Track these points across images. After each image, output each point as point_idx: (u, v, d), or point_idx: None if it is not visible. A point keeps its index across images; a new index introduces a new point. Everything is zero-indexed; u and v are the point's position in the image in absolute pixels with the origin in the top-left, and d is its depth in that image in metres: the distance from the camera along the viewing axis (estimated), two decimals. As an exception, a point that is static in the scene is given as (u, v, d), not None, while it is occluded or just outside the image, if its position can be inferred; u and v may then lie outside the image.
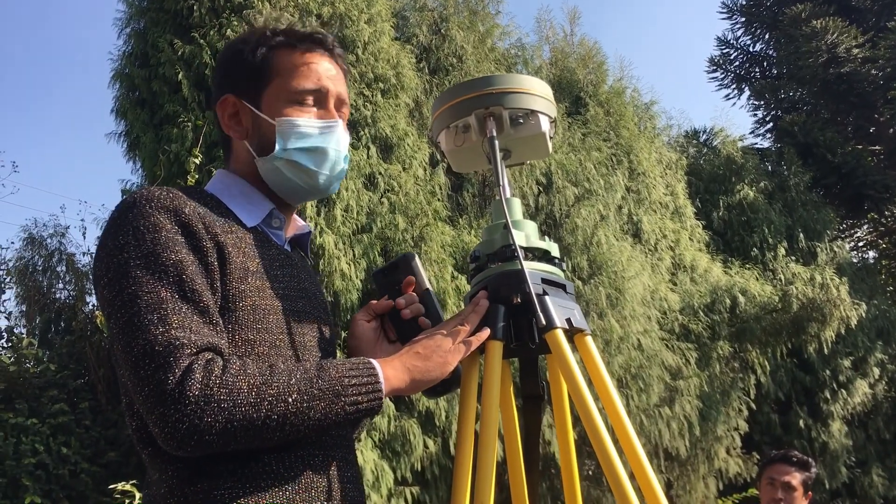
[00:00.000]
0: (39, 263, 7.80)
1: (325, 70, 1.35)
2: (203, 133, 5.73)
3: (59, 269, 7.84)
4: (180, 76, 5.95)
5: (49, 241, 7.91)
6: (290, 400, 1.09)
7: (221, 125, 1.36)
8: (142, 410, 1.08)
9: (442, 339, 1.30)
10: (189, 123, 5.88)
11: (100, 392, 6.72)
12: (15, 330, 7.75)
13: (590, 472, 6.39)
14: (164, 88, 6.10)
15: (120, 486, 5.50)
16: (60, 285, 7.82)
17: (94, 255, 1.23)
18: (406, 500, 5.68)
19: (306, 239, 1.43)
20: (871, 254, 14.51)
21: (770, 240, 9.67)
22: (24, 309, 7.73)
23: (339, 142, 1.34)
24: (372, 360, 1.20)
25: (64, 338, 7.36)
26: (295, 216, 1.43)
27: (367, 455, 5.40)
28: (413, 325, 1.40)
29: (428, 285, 1.42)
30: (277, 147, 1.30)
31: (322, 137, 1.32)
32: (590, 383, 1.50)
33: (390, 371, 1.21)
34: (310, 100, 1.33)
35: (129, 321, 1.09)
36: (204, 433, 1.04)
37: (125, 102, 6.44)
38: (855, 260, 12.05)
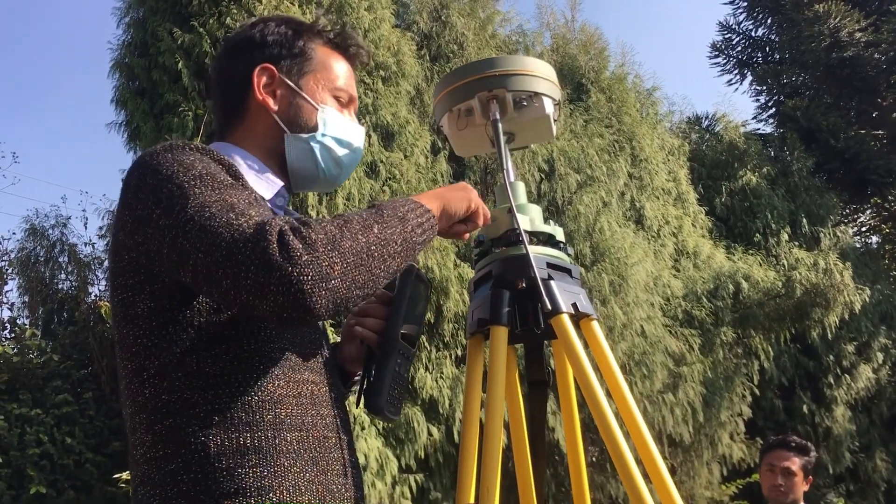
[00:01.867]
0: (41, 254, 7.79)
1: (352, 79, 1.41)
2: (204, 123, 5.71)
3: (61, 259, 7.84)
4: (180, 65, 5.92)
5: (51, 231, 7.91)
6: (375, 230, 1.11)
7: (256, 92, 1.32)
8: (252, 296, 1.02)
9: (473, 194, 1.35)
10: (189, 113, 5.86)
11: (103, 382, 6.73)
12: (18, 321, 7.76)
13: (593, 459, 6.39)
14: (163, 78, 6.08)
15: (125, 475, 5.52)
16: (63, 276, 7.82)
17: (123, 202, 1.16)
18: (410, 488, 5.69)
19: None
20: (875, 239, 14.48)
21: (773, 225, 9.65)
22: (26, 300, 7.73)
23: (361, 142, 1.40)
24: (410, 198, 1.25)
25: (67, 328, 7.36)
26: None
27: (371, 443, 5.40)
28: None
29: (404, 299, 1.32)
30: (320, 129, 1.32)
31: (354, 134, 1.37)
32: (596, 369, 1.49)
33: (428, 200, 1.26)
34: (344, 100, 1.38)
35: (204, 228, 1.05)
36: (329, 278, 1.03)
37: (125, 92, 6.42)
38: (858, 245, 12.03)
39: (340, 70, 1.38)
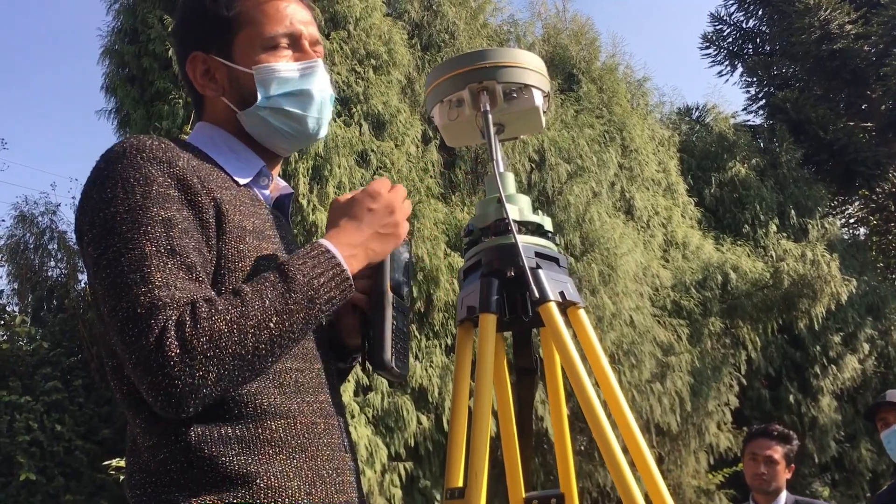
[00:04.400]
0: (31, 241, 7.77)
1: (294, 12, 1.29)
2: (193, 111, 5.70)
3: (50, 247, 7.82)
4: (170, 52, 5.90)
5: (40, 219, 7.88)
6: (272, 324, 1.06)
7: (195, 85, 1.28)
8: (133, 379, 1.04)
9: (396, 215, 1.24)
10: (180, 101, 5.85)
11: (93, 369, 6.73)
12: (7, 308, 7.74)
13: (581, 448, 6.44)
14: (153, 65, 6.06)
15: (115, 462, 5.53)
16: (52, 263, 7.81)
17: (79, 205, 1.15)
18: (400, 476, 5.73)
19: (288, 201, 1.36)
20: (862, 230, 14.59)
21: (761, 216, 9.71)
22: (15, 287, 7.72)
23: (322, 82, 1.29)
24: (329, 248, 1.16)
25: (56, 315, 7.35)
26: (276, 177, 1.36)
27: (360, 431, 5.43)
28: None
29: (386, 269, 1.28)
30: (260, 96, 1.24)
31: (304, 80, 1.27)
32: (583, 357, 1.51)
33: (347, 251, 1.17)
34: (284, 44, 1.27)
35: (114, 282, 1.05)
36: (200, 388, 1.01)
37: (115, 79, 6.40)
38: (846, 236, 12.11)
39: (275, 14, 1.27)
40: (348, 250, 1.18)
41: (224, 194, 1.17)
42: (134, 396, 1.11)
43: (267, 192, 1.31)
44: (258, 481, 1.07)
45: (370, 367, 1.25)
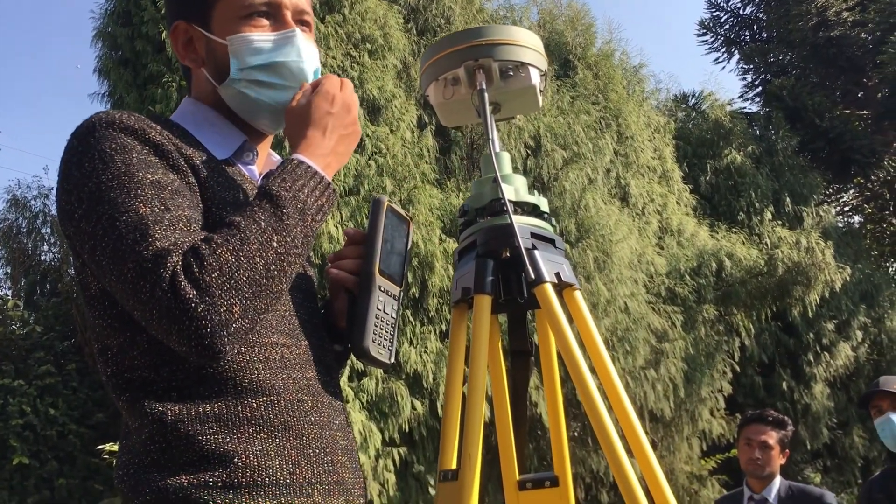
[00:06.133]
0: (24, 225, 7.74)
1: None
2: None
3: (43, 230, 7.80)
4: (164, 35, 5.85)
5: (33, 203, 7.85)
6: (275, 244, 1.05)
7: (178, 55, 1.27)
8: (162, 337, 1.02)
9: (353, 111, 1.23)
10: (174, 84, 5.81)
11: (87, 354, 6.72)
12: (0, 292, 7.71)
13: (575, 434, 6.45)
14: (147, 48, 6.02)
15: (108, 446, 5.52)
16: (45, 247, 7.79)
17: (57, 182, 1.13)
18: (394, 461, 5.73)
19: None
20: (857, 218, 14.62)
21: (757, 204, 9.71)
22: (8, 271, 7.70)
23: (300, 52, 1.23)
24: (303, 160, 1.15)
25: (50, 300, 7.33)
26: (270, 151, 1.34)
27: (355, 416, 5.43)
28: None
29: (378, 232, 1.25)
30: (233, 68, 1.20)
31: (278, 51, 1.22)
32: (579, 338, 1.50)
33: (321, 160, 1.17)
34: (262, 13, 1.22)
35: (115, 248, 1.02)
36: (230, 323, 1.00)
37: (108, 62, 6.35)
38: (840, 224, 12.14)
39: None
40: (322, 160, 1.17)
41: (200, 165, 1.14)
42: (119, 378, 1.10)
43: (254, 167, 1.27)
44: (236, 460, 1.04)
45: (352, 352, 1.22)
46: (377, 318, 1.21)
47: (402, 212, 1.33)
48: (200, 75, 1.26)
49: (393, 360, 1.26)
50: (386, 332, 1.23)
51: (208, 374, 1.07)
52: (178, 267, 1.00)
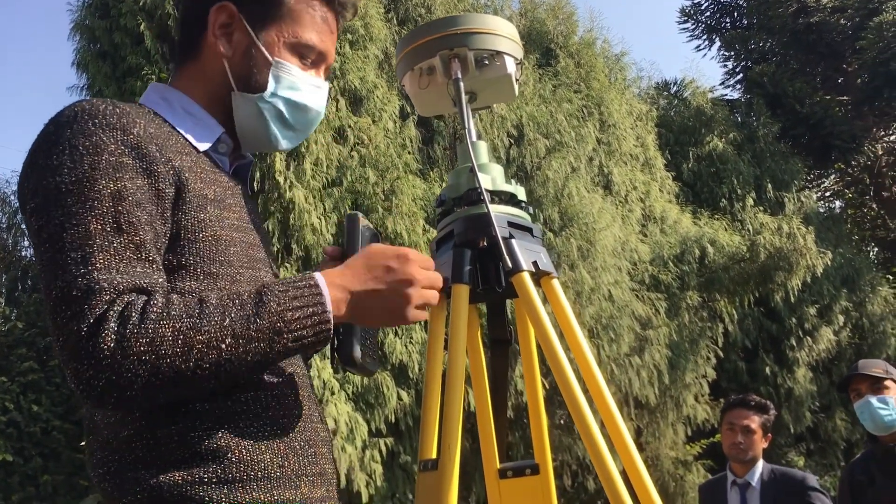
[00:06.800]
0: (3, 221, 7.68)
1: (330, 29, 1.26)
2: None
3: (24, 226, 7.72)
4: (142, 27, 5.80)
5: (12, 197, 7.78)
6: (224, 346, 0.97)
7: (209, 33, 1.20)
8: (59, 361, 0.98)
9: (411, 289, 1.10)
10: (153, 77, 5.76)
11: (69, 350, 6.67)
12: (-20, 289, 7.65)
13: (561, 422, 6.48)
14: (125, 40, 5.96)
15: (92, 442, 5.50)
16: (25, 243, 7.72)
17: (21, 170, 1.08)
18: (380, 452, 5.74)
19: (248, 169, 1.30)
20: (838, 203, 14.73)
21: (739, 190, 9.76)
22: (-12, 267, 7.62)
23: (321, 104, 1.26)
24: (319, 283, 1.05)
25: (31, 296, 7.28)
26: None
27: (340, 408, 5.43)
28: None
29: (357, 248, 1.24)
30: (269, 89, 1.19)
31: (311, 96, 1.24)
32: (557, 327, 1.51)
33: (338, 293, 1.06)
34: (311, 57, 1.24)
35: (52, 259, 0.98)
36: (124, 389, 0.94)
37: (86, 55, 6.28)
38: (821, 209, 12.22)
39: (314, 24, 1.23)
40: (340, 292, 1.06)
41: (184, 161, 1.11)
42: None
43: (226, 159, 1.25)
44: (230, 455, 1.04)
45: (340, 363, 1.22)
46: (362, 329, 1.21)
47: (373, 227, 1.33)
48: (217, 66, 1.22)
49: (378, 368, 1.25)
50: (371, 341, 1.24)
51: None
52: (113, 312, 0.95)
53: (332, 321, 1.05)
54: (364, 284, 1.09)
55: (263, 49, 1.20)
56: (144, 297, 0.98)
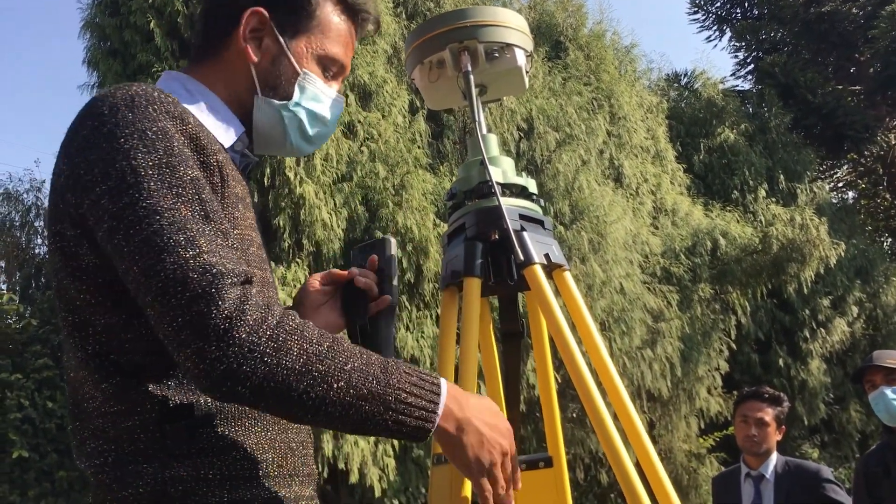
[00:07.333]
0: (17, 219, 7.72)
1: (351, 43, 1.29)
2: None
3: (37, 224, 7.78)
4: (152, 25, 5.82)
5: (25, 196, 7.83)
6: (336, 387, 0.96)
7: (239, 37, 1.19)
8: (168, 339, 0.95)
9: (499, 454, 1.07)
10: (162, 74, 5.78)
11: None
12: (-6, 286, 7.71)
13: (573, 415, 6.48)
14: (135, 38, 5.98)
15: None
16: (39, 241, 7.77)
17: (70, 155, 1.04)
18: (393, 446, 5.75)
19: (250, 168, 1.30)
20: (851, 194, 14.64)
21: (750, 182, 9.71)
22: (2, 265, 7.68)
23: (337, 117, 1.28)
24: (441, 386, 1.04)
25: (45, 293, 7.32)
26: None
27: (352, 402, 5.44)
28: (362, 301, 1.30)
29: (394, 273, 1.30)
30: (295, 97, 1.21)
31: (331, 109, 1.26)
32: (569, 319, 1.50)
33: (453, 406, 1.04)
34: (333, 69, 1.26)
35: (149, 240, 0.95)
36: (239, 382, 0.93)
37: (96, 53, 6.31)
38: (834, 200, 12.15)
39: (340, 37, 1.25)
40: (454, 406, 1.04)
41: (220, 156, 1.10)
42: (103, 358, 1.05)
43: (238, 157, 1.24)
44: (234, 453, 1.04)
45: None
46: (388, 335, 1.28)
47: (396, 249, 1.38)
48: (241, 66, 1.21)
49: None
50: (391, 351, 1.28)
51: None
52: (248, 305, 0.95)
53: (435, 424, 1.03)
54: (476, 419, 1.07)
55: (292, 59, 1.21)
56: (282, 306, 0.99)
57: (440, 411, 1.03)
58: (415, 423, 1.01)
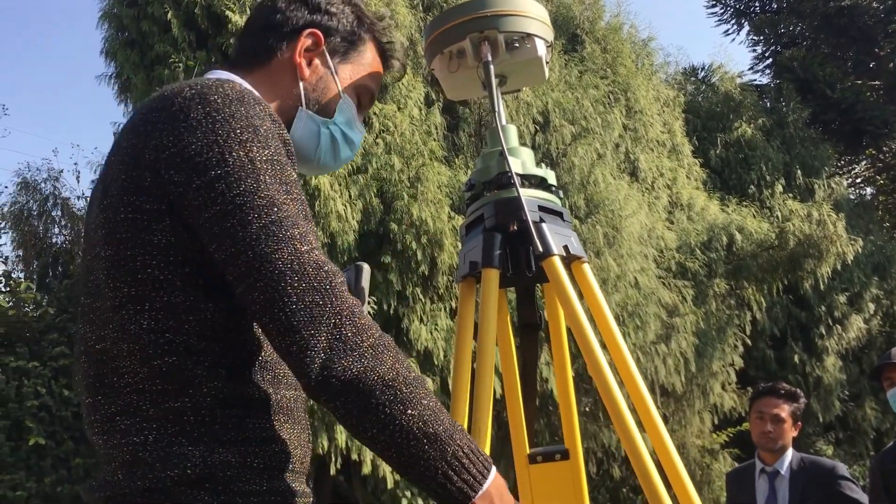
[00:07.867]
0: (34, 208, 7.77)
1: (379, 80, 1.39)
2: (195, 75, 5.64)
3: (54, 213, 7.83)
4: (169, 15, 5.83)
5: (43, 185, 7.87)
6: (409, 412, 1.00)
7: (296, 50, 1.27)
8: (275, 322, 0.99)
9: None
10: (180, 65, 5.80)
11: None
12: (12, 274, 7.77)
13: (587, 409, 6.47)
14: (153, 28, 6.00)
15: (123, 426, 5.57)
16: (56, 230, 7.81)
17: (179, 134, 1.05)
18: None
19: None
20: (869, 190, 14.50)
21: (767, 177, 9.64)
22: (20, 254, 7.73)
23: (359, 145, 1.37)
24: (492, 469, 1.08)
25: (62, 282, 7.37)
26: None
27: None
28: None
29: (363, 301, 1.31)
30: (336, 117, 1.30)
31: (358, 136, 1.35)
32: (587, 311, 1.50)
33: (494, 492, 1.06)
34: (364, 101, 1.36)
35: (267, 228, 1.00)
36: (334, 374, 0.98)
37: (114, 43, 6.33)
38: (852, 196, 12.05)
39: (374, 71, 1.36)
40: (496, 491, 1.06)
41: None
42: (159, 335, 1.04)
43: None
44: (273, 445, 1.08)
45: None
46: None
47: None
48: (286, 79, 1.28)
49: None
50: None
51: (256, 359, 1.09)
52: (359, 307, 1.02)
53: (476, 495, 1.04)
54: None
55: (338, 83, 1.30)
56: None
57: (485, 487, 1.05)
58: (460, 484, 1.02)
